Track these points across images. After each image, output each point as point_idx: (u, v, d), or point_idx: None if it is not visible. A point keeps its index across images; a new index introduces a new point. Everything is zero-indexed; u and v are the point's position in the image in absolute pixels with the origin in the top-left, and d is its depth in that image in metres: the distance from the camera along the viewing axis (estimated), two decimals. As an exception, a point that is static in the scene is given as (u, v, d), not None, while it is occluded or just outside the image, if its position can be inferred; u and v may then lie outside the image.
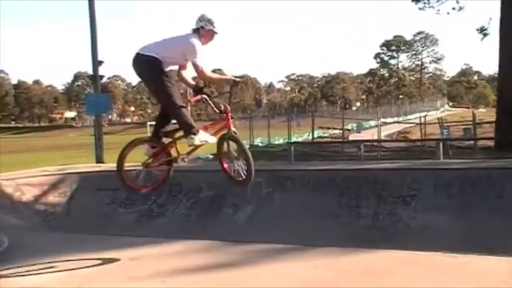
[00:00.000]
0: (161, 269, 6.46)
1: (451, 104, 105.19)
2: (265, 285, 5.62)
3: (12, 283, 5.80)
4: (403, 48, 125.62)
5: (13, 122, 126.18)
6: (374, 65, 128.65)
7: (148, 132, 51.56)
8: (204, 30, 6.63)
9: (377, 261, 6.35)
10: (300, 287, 5.53)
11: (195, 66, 6.49)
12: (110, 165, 19.96)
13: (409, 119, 59.88)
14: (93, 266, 6.76)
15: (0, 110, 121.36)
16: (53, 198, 15.39)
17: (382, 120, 49.82)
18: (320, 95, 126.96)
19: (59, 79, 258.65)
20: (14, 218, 14.02)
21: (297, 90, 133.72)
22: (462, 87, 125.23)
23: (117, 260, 6.98)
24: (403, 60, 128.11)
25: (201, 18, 6.64)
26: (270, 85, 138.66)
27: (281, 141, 38.74)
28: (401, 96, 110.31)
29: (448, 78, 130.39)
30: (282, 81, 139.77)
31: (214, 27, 6.65)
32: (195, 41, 6.49)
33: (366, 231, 11.39)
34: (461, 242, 8.53)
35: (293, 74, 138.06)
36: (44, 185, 15.55)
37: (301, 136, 41.10)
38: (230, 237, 8.46)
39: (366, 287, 5.33)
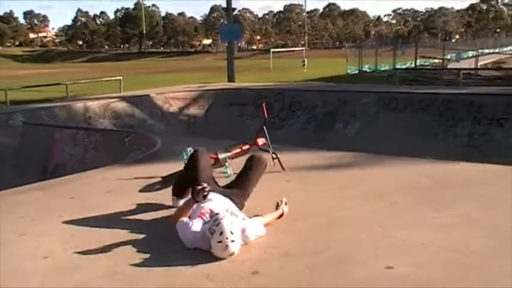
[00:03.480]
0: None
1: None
2: (373, 185, 5.65)
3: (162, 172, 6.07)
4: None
5: (162, 48, 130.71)
6: (474, 0, 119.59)
7: (271, 57, 51.53)
8: None
9: (472, 173, 6.10)
10: (403, 188, 5.45)
11: None
12: (240, 84, 20.36)
13: (504, 51, 55.46)
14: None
15: (152, 37, 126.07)
16: (194, 110, 16.05)
17: (480, 51, 46.56)
18: (423, 27, 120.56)
19: (198, 11, 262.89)
20: (164, 125, 14.82)
21: (402, 23, 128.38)
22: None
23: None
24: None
25: None
26: (378, 18, 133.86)
27: (386, 67, 37.46)
28: (498, 30, 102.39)
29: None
30: (388, 15, 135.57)
31: None
32: None
33: (462, 148, 10.99)
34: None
35: (399, 9, 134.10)
36: (187, 99, 16.21)
37: (405, 64, 39.34)
38: (342, 147, 8.43)
39: (462, 193, 5.16)
